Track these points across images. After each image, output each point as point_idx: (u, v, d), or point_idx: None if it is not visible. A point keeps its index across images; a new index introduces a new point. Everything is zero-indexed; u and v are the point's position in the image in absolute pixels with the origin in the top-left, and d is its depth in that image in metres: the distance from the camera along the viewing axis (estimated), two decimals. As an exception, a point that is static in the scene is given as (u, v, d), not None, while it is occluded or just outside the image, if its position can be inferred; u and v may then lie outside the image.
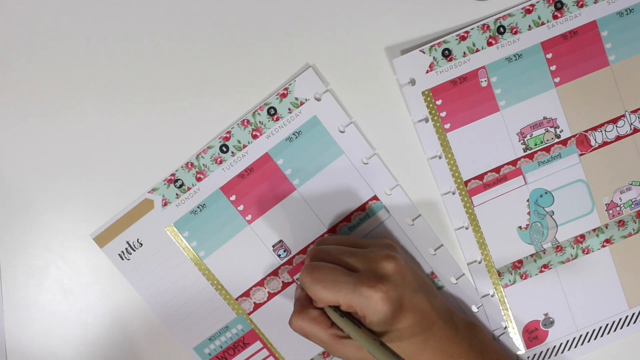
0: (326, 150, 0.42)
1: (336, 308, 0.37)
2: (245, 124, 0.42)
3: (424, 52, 0.41)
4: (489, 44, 0.41)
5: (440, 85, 0.41)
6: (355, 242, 0.40)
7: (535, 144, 0.42)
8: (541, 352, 0.45)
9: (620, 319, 0.44)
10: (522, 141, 0.42)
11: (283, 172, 0.42)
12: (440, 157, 0.42)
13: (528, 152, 0.42)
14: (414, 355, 0.36)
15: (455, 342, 0.38)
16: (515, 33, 0.41)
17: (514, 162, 0.43)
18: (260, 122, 0.42)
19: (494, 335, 0.44)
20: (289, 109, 0.42)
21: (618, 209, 0.43)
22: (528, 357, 0.45)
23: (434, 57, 0.41)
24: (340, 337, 0.37)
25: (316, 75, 0.41)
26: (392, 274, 0.36)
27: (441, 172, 0.43)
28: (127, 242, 0.43)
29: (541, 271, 0.44)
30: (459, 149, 0.42)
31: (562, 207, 0.43)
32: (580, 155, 0.43)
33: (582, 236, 0.43)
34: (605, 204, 0.43)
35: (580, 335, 0.44)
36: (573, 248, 0.44)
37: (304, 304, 0.38)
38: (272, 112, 0.42)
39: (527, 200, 0.43)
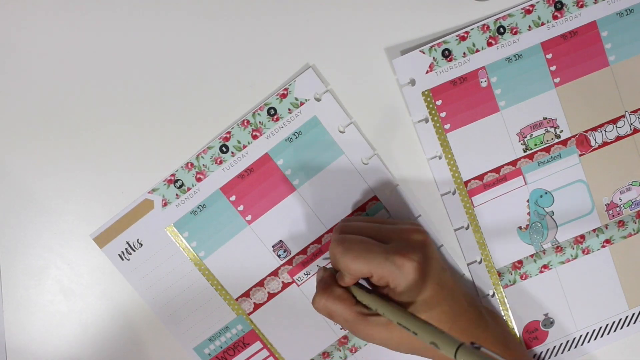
0: (326, 150, 0.42)
1: (361, 285, 0.37)
2: (245, 124, 0.42)
3: (424, 53, 0.41)
4: (489, 44, 0.41)
5: (440, 86, 0.41)
6: (383, 221, 0.40)
7: (535, 144, 0.42)
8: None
9: (620, 319, 0.44)
10: (522, 141, 0.42)
11: (283, 172, 0.42)
12: (440, 157, 0.42)
13: (528, 152, 0.42)
14: (443, 325, 0.36)
15: (481, 326, 0.37)
16: (515, 33, 0.41)
17: (514, 163, 0.43)
18: (260, 122, 0.42)
19: None
20: (289, 109, 0.42)
21: (618, 209, 0.43)
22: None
23: (434, 58, 0.41)
24: (366, 315, 0.36)
25: (316, 76, 0.41)
26: (423, 245, 0.36)
27: (441, 172, 0.43)
28: (127, 243, 0.43)
29: (541, 271, 0.44)
30: (459, 149, 0.42)
31: (562, 208, 0.43)
32: (580, 155, 0.43)
33: (582, 236, 0.43)
34: (605, 204, 0.43)
35: (580, 336, 0.44)
36: (573, 248, 0.44)
37: (328, 282, 0.38)
38: (272, 113, 0.42)
39: (527, 201, 0.43)
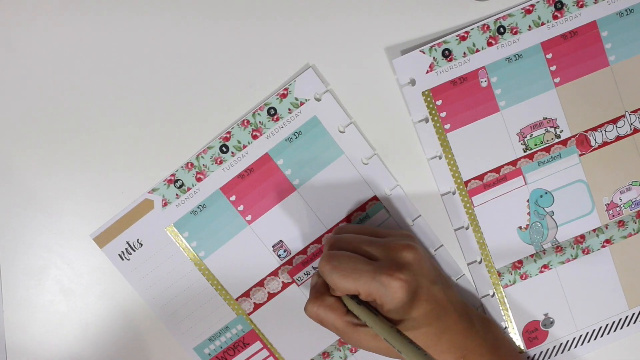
0: (326, 150, 0.42)
1: (353, 296, 0.37)
2: (245, 124, 0.42)
3: (424, 53, 0.41)
4: (489, 44, 0.41)
5: (440, 86, 0.41)
6: (374, 232, 0.40)
7: (535, 144, 0.42)
8: (541, 352, 0.45)
9: (620, 319, 0.44)
10: (522, 141, 0.42)
11: (283, 172, 0.42)
12: (440, 157, 0.42)
13: (528, 152, 0.42)
14: (428, 347, 0.36)
15: (469, 336, 0.38)
16: (516, 33, 0.41)
17: (514, 162, 0.43)
18: (260, 122, 0.42)
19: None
20: (289, 109, 0.42)
21: (618, 209, 0.43)
22: (528, 358, 0.45)
23: (434, 58, 0.41)
24: (356, 325, 0.37)
25: (316, 76, 0.41)
26: (412, 263, 0.36)
27: (441, 172, 0.43)
28: (127, 243, 0.43)
29: (541, 271, 0.44)
30: (459, 149, 0.42)
31: (562, 208, 0.43)
32: (580, 155, 0.43)
33: (582, 236, 0.43)
34: (605, 204, 0.43)
35: (580, 335, 0.44)
36: (573, 248, 0.44)
37: (321, 290, 0.39)
38: (272, 112, 0.42)
39: (527, 201, 0.43)
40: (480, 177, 0.43)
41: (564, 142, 0.43)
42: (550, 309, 0.44)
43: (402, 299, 0.35)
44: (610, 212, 0.43)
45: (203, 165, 0.42)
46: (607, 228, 0.43)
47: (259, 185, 0.42)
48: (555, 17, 0.41)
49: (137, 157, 0.42)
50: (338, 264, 0.36)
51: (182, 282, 0.43)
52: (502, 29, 0.41)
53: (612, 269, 0.44)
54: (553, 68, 0.42)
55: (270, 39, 0.42)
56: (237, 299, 0.44)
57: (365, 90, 0.42)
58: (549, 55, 0.41)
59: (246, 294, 0.44)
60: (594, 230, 0.43)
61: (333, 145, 0.42)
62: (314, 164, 0.42)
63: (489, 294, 0.44)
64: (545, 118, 0.42)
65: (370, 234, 0.39)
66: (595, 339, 0.45)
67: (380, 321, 0.35)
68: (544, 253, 0.44)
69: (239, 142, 0.42)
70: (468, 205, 0.43)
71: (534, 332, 0.44)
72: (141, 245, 0.43)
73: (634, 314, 0.44)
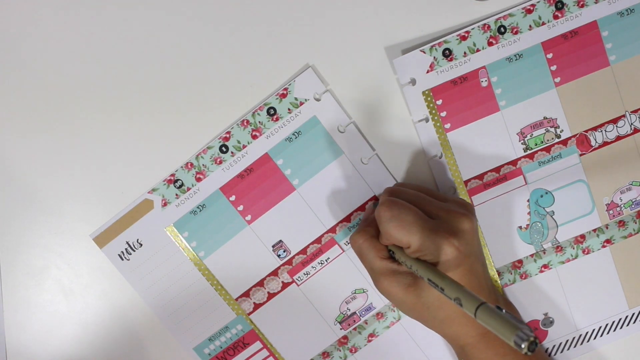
0: (326, 150, 0.42)
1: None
2: (245, 124, 0.42)
3: (424, 52, 0.41)
4: (490, 44, 0.41)
5: (440, 85, 0.41)
6: (434, 194, 0.39)
7: (536, 144, 0.42)
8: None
9: (620, 319, 0.44)
10: (522, 141, 0.42)
11: (283, 172, 0.42)
12: (440, 157, 0.42)
13: (528, 152, 0.42)
14: (456, 315, 0.37)
15: None
16: (516, 33, 0.41)
17: (514, 162, 0.42)
18: (260, 122, 0.42)
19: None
20: (289, 109, 0.42)
21: (618, 209, 0.43)
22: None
23: (434, 57, 0.41)
24: (392, 272, 0.37)
25: (316, 76, 0.41)
26: (467, 233, 0.36)
27: (441, 171, 0.43)
28: (127, 243, 0.43)
29: (541, 271, 0.44)
30: (459, 149, 0.42)
31: (562, 207, 0.43)
32: (581, 155, 0.43)
33: (583, 236, 0.43)
34: (606, 204, 0.43)
35: (580, 335, 0.44)
36: (573, 248, 0.44)
37: (372, 225, 0.38)
38: (271, 112, 0.42)
39: (528, 200, 0.43)
40: (480, 177, 0.43)
41: (564, 142, 0.42)
42: (550, 309, 0.44)
43: (449, 264, 0.35)
44: (611, 212, 0.43)
45: (203, 165, 0.42)
46: (607, 228, 0.43)
47: (259, 185, 0.42)
48: (555, 17, 0.41)
49: (136, 157, 0.42)
50: (398, 213, 0.35)
51: (182, 282, 0.43)
52: (502, 29, 0.41)
53: (612, 269, 0.44)
54: (553, 68, 0.41)
55: (270, 39, 0.41)
56: (237, 299, 0.44)
57: (365, 90, 0.42)
58: (550, 55, 0.41)
59: (246, 294, 0.43)
60: (594, 230, 0.43)
61: (333, 145, 0.42)
62: (313, 164, 0.42)
63: (489, 294, 0.44)
64: (545, 118, 0.42)
65: (430, 195, 0.39)
66: (595, 338, 0.45)
67: (424, 263, 0.35)
68: (544, 253, 0.43)
69: (239, 142, 0.42)
70: (468, 205, 0.43)
71: (534, 331, 0.44)
72: (141, 245, 0.43)
73: (634, 314, 0.44)
